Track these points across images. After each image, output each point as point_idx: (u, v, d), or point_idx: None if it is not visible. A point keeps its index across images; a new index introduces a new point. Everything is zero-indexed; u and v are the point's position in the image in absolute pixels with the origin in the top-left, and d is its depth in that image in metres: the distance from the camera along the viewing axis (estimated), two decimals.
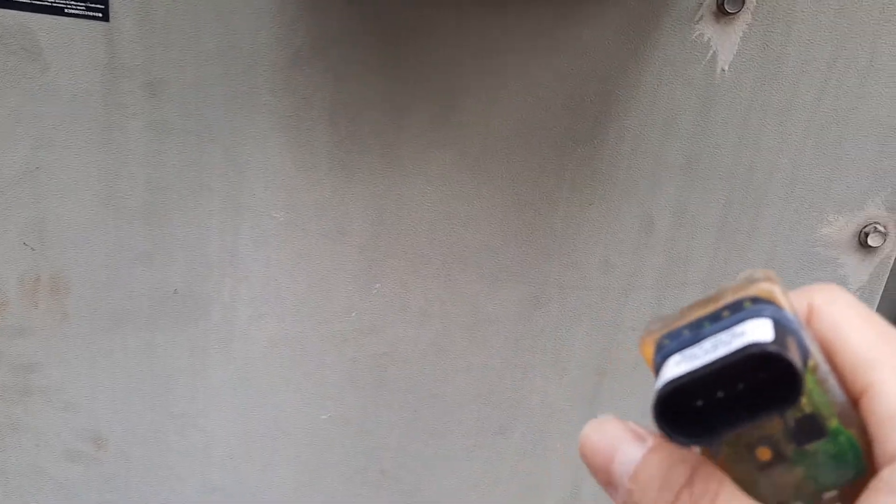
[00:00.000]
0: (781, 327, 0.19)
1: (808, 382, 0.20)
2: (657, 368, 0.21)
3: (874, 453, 0.20)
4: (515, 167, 0.53)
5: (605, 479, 0.22)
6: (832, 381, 0.21)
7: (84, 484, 0.62)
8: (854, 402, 0.21)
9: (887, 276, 0.55)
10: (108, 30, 0.49)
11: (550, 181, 0.53)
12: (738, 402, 0.19)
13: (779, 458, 0.21)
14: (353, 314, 0.57)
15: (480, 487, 0.63)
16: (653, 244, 0.55)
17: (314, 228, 0.54)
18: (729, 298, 0.20)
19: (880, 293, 0.56)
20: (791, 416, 0.20)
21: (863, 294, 0.56)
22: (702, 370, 0.19)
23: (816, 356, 0.21)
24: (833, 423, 0.20)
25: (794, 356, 0.18)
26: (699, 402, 0.19)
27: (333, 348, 0.58)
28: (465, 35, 0.50)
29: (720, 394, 0.19)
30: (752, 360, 0.18)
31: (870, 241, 0.53)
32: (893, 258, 0.55)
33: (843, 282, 0.55)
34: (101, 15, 0.49)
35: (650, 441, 0.22)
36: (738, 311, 0.20)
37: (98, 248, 0.55)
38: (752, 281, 0.21)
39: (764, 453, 0.21)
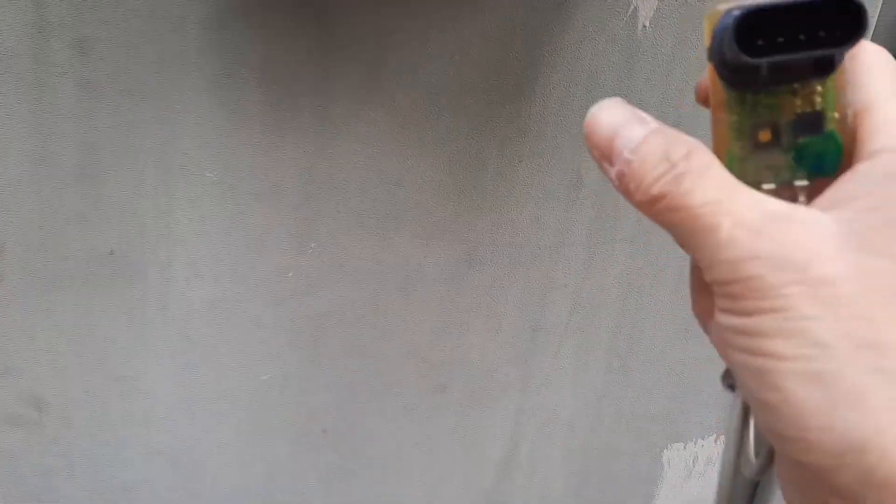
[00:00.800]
0: (862, 21, 0.22)
1: (829, 85, 0.24)
2: (720, 26, 0.24)
3: (855, 154, 0.24)
4: (444, 125, 0.54)
5: (605, 152, 0.25)
6: (846, 94, 0.24)
7: (27, 449, 0.63)
8: (855, 117, 0.24)
9: None
10: None
11: (479, 139, 0.54)
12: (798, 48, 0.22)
13: (775, 142, 0.24)
14: (290, 274, 0.58)
15: (422, 445, 0.64)
16: (582, 200, 0.56)
17: (247, 188, 0.55)
18: None
19: None
20: (804, 105, 0.24)
21: None
22: (783, 2, 0.22)
23: (842, 76, 0.24)
24: (831, 125, 0.24)
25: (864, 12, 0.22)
26: (761, 42, 0.22)
27: (271, 309, 0.59)
28: None
29: (784, 36, 0.22)
30: (824, 4, 0.22)
31: None
32: None
33: None
34: None
35: (653, 124, 0.25)
36: None
37: (31, 208, 0.55)
38: None
39: (765, 135, 0.24)
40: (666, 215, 0.24)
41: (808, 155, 0.24)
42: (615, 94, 0.53)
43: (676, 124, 0.54)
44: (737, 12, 0.22)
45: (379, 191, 0.56)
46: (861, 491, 0.21)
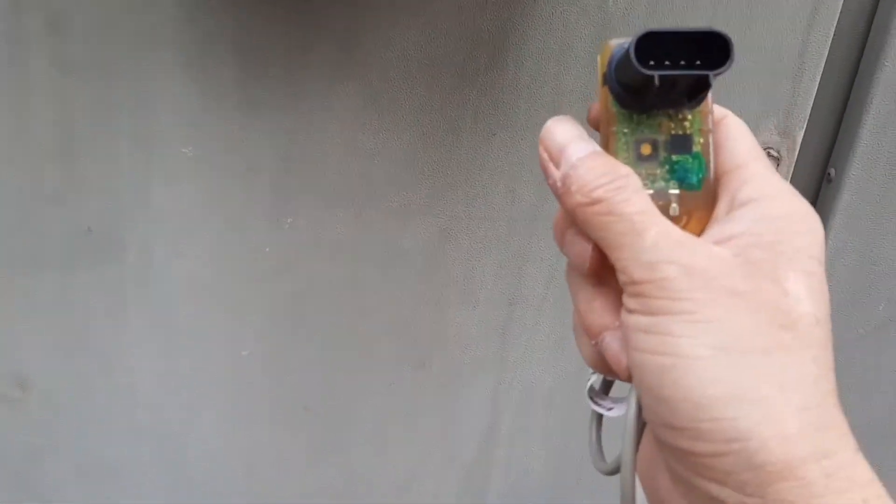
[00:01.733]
0: (729, 52, 0.27)
1: (696, 118, 0.29)
2: (616, 53, 0.29)
3: (732, 201, 0.28)
4: (418, 99, 0.54)
5: (555, 157, 0.29)
6: (708, 123, 0.29)
7: (11, 427, 0.63)
8: (728, 173, 0.29)
9: None
10: None
11: (453, 112, 0.54)
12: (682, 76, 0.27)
13: (654, 156, 0.29)
14: (267, 250, 0.58)
15: (402, 421, 0.65)
16: None
17: (223, 164, 0.55)
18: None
19: None
20: (678, 128, 0.29)
21: None
22: (673, 30, 0.27)
23: (710, 107, 0.29)
24: (698, 147, 0.29)
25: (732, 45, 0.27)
26: (652, 62, 0.27)
27: (250, 286, 0.59)
28: None
29: (669, 60, 0.27)
30: (704, 36, 0.27)
31: None
32: (788, 182, 0.56)
33: None
34: None
35: (598, 147, 0.29)
36: None
37: (8, 187, 0.55)
38: None
39: (646, 149, 0.29)
40: (600, 217, 0.27)
41: (678, 169, 0.29)
42: (587, 66, 0.54)
43: None
44: (633, 37, 0.27)
45: (354, 166, 0.56)
46: (742, 474, 0.24)
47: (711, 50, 0.27)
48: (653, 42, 0.27)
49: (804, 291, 0.25)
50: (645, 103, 0.29)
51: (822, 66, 0.54)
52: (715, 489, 0.25)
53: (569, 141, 0.29)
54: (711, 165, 0.29)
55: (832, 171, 0.57)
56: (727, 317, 0.25)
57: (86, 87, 0.53)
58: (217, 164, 0.55)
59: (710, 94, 0.29)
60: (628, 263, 0.26)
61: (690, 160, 0.29)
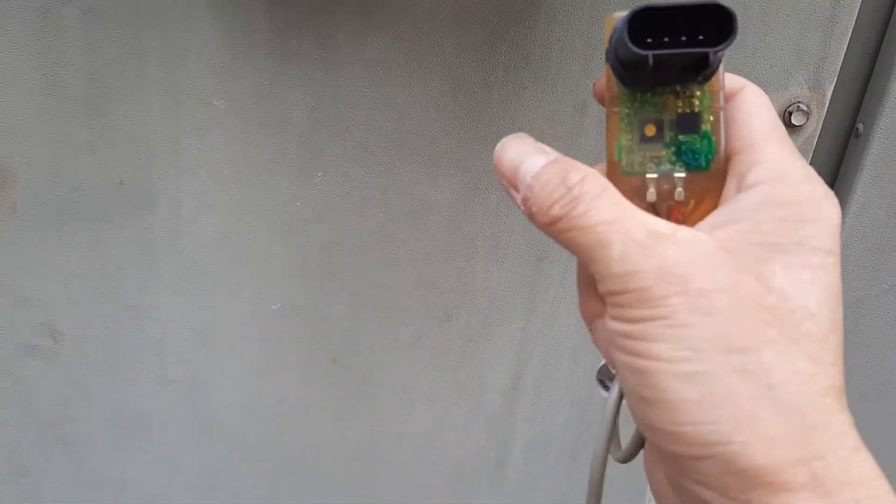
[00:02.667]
0: (733, 27, 0.26)
1: (706, 94, 0.27)
2: (616, 30, 0.27)
3: (737, 185, 0.27)
4: (449, 52, 0.54)
5: (511, 181, 0.28)
6: (720, 99, 0.27)
7: (43, 379, 0.64)
8: (739, 152, 0.27)
9: (811, 155, 0.57)
10: None
11: (484, 65, 0.54)
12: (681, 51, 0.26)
13: (659, 137, 0.28)
14: (298, 203, 0.58)
15: (429, 374, 0.66)
16: (586, 127, 0.57)
17: (254, 116, 0.56)
18: None
19: None
20: (686, 106, 0.27)
21: None
22: (669, 5, 0.25)
23: (721, 83, 0.27)
24: (706, 126, 0.27)
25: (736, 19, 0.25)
26: (649, 40, 0.25)
27: (280, 238, 0.60)
28: None
29: (668, 37, 0.26)
30: (704, 9, 0.25)
31: (793, 120, 0.55)
32: (817, 137, 0.57)
33: None
34: None
35: (553, 155, 0.28)
36: None
37: (41, 139, 0.55)
38: None
39: (650, 130, 0.28)
40: (565, 234, 0.26)
41: (685, 150, 0.27)
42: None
43: None
44: (627, 14, 0.26)
45: (385, 119, 0.56)
46: (724, 478, 0.24)
47: (714, 24, 0.25)
48: (649, 19, 0.25)
49: (796, 285, 0.24)
50: (648, 81, 0.27)
51: (854, 18, 0.54)
52: (700, 490, 0.25)
53: (520, 161, 0.28)
54: (722, 145, 0.28)
55: (860, 126, 0.57)
56: (704, 319, 0.24)
57: (117, 37, 0.53)
58: (247, 116, 0.56)
59: (721, 68, 0.27)
60: (602, 276, 0.26)
61: (699, 140, 0.27)
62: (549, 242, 0.61)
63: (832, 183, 0.60)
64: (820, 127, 0.57)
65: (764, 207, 0.25)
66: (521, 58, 0.54)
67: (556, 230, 0.27)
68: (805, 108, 0.55)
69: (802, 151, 0.57)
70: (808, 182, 0.26)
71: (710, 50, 0.25)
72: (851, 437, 0.24)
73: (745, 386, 0.24)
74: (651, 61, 0.25)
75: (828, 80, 0.55)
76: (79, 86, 0.54)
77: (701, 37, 0.26)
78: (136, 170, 0.57)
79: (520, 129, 0.56)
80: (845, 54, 0.55)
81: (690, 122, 0.27)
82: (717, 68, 0.27)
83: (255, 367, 0.65)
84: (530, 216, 0.28)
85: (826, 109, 0.56)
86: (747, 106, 0.28)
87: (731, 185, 0.27)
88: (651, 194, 0.28)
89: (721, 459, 0.24)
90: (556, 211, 0.26)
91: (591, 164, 0.29)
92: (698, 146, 0.27)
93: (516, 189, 0.28)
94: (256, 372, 0.65)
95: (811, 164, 0.58)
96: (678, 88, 0.27)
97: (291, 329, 0.63)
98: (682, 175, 0.28)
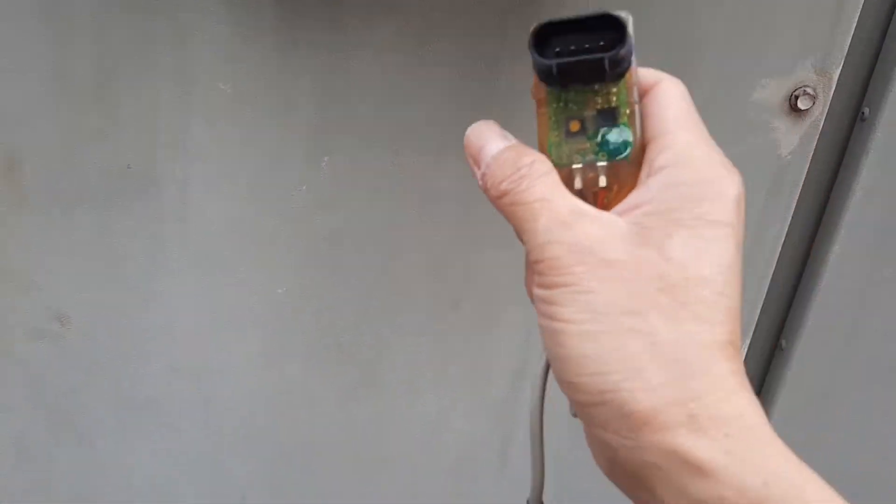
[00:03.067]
0: (625, 34, 0.29)
1: (621, 90, 0.30)
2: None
3: (647, 170, 0.30)
4: (457, 35, 0.54)
5: (475, 159, 0.33)
6: (636, 104, 0.31)
7: (51, 364, 0.64)
8: (650, 141, 0.31)
9: (817, 138, 0.57)
10: None
11: (492, 48, 0.55)
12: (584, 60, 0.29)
13: (582, 131, 0.31)
14: (304, 188, 0.59)
15: (435, 361, 0.66)
16: None
17: (262, 102, 0.56)
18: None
19: (810, 156, 0.58)
20: (603, 102, 0.30)
21: (794, 157, 0.58)
22: (566, 19, 0.29)
23: (633, 82, 0.30)
24: (624, 119, 0.31)
25: (628, 25, 0.29)
26: (558, 49, 0.29)
27: (287, 224, 0.60)
28: None
29: (574, 45, 0.29)
30: (598, 19, 0.29)
31: (799, 105, 0.55)
32: (823, 121, 0.57)
33: (775, 146, 0.57)
34: None
35: (513, 141, 0.32)
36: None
37: (50, 126, 0.56)
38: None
39: (575, 125, 0.31)
40: (509, 207, 0.30)
41: (606, 142, 0.31)
42: (628, 5, 0.54)
43: (685, 35, 0.54)
44: (532, 30, 0.29)
45: (392, 105, 0.56)
46: (617, 421, 0.27)
47: (611, 30, 0.29)
48: (552, 32, 0.29)
49: (692, 255, 0.28)
50: (568, 82, 0.30)
51: (861, 3, 0.54)
52: (602, 433, 0.28)
53: (485, 142, 0.32)
54: (638, 135, 0.31)
55: (866, 111, 0.57)
56: (603, 286, 0.28)
57: (126, 22, 0.53)
58: (255, 101, 0.56)
59: (633, 66, 0.30)
60: (529, 246, 0.30)
61: (617, 132, 0.31)
62: None
63: (837, 167, 0.60)
64: (826, 111, 0.57)
65: (669, 188, 0.29)
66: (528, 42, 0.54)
67: (502, 203, 0.31)
68: (811, 92, 0.55)
69: (808, 135, 0.57)
70: (709, 164, 0.30)
71: (605, 56, 0.29)
72: (730, 382, 0.27)
73: (634, 343, 0.27)
74: (555, 70, 0.29)
75: (834, 64, 0.55)
76: (87, 72, 0.54)
77: (602, 42, 0.29)
78: (143, 155, 0.57)
79: (528, 113, 0.57)
80: (852, 39, 0.55)
81: (609, 117, 0.31)
82: (627, 67, 0.30)
83: (262, 353, 0.65)
84: (485, 191, 0.32)
85: (832, 94, 0.56)
86: (662, 98, 0.31)
87: (644, 170, 0.30)
88: (578, 182, 0.31)
89: (613, 405, 0.27)
90: (504, 186, 0.30)
91: None
92: (618, 137, 0.31)
93: (478, 167, 0.32)
94: (263, 357, 0.65)
95: (816, 147, 0.58)
96: (596, 87, 0.30)
97: (298, 315, 0.63)
98: (604, 164, 0.31)
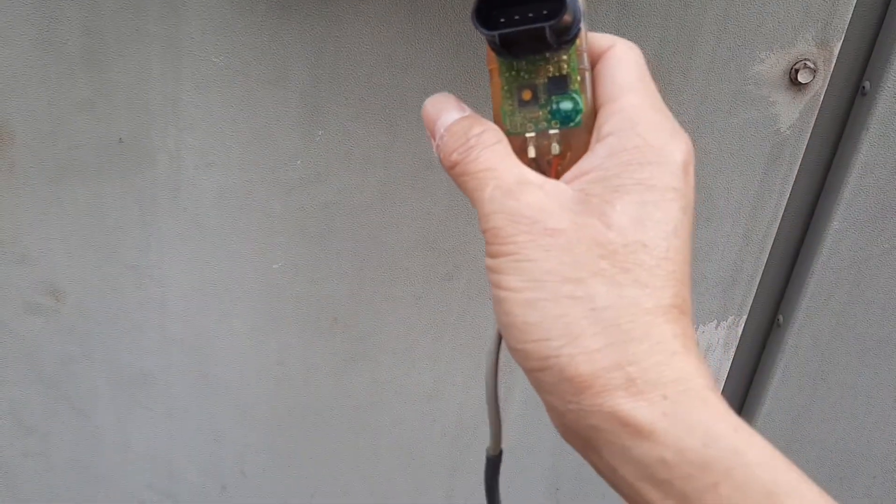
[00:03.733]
0: (574, 1, 0.29)
1: (571, 58, 0.30)
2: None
3: (595, 136, 0.30)
4: (450, 7, 0.53)
5: (431, 130, 0.33)
6: (587, 71, 0.31)
7: (45, 336, 0.64)
8: (601, 106, 0.31)
9: (817, 112, 0.57)
10: None
11: None
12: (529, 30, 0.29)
13: (534, 100, 0.31)
14: (298, 162, 0.58)
15: (429, 333, 0.66)
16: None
17: (254, 74, 0.55)
18: None
19: (810, 130, 0.57)
20: (554, 71, 0.31)
21: (793, 131, 0.57)
22: None
23: (583, 50, 0.31)
24: (575, 86, 0.31)
25: (575, 3, 0.29)
26: (502, 19, 0.29)
27: (280, 197, 0.59)
28: None
29: (520, 19, 0.29)
30: None
31: (800, 78, 0.55)
32: (823, 94, 0.56)
33: (775, 120, 0.57)
34: None
35: (468, 111, 0.33)
36: None
37: (39, 96, 0.55)
38: None
39: (526, 94, 0.31)
40: (460, 178, 0.31)
41: (557, 110, 0.31)
42: None
43: (685, 5, 0.53)
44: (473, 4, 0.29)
45: (386, 76, 0.55)
46: (559, 385, 0.28)
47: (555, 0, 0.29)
48: (494, 3, 0.29)
49: (633, 221, 0.28)
50: (517, 52, 0.31)
51: None
52: (548, 398, 0.29)
53: (440, 113, 0.33)
54: (589, 102, 0.31)
55: (867, 84, 0.56)
56: (544, 255, 0.28)
57: None
58: (247, 73, 0.55)
59: (583, 33, 0.30)
60: (479, 216, 0.30)
61: (568, 99, 0.31)
62: None
63: (837, 142, 0.60)
64: (826, 84, 0.56)
65: (612, 154, 0.29)
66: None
67: (454, 174, 0.31)
68: (812, 65, 0.54)
69: (808, 109, 0.56)
70: (655, 129, 0.29)
71: (546, 24, 0.28)
72: (671, 345, 0.27)
73: (574, 310, 0.28)
74: (497, 40, 0.29)
75: (835, 37, 0.54)
76: (76, 41, 0.53)
77: (545, 11, 0.29)
78: (135, 127, 0.56)
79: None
80: (853, 12, 0.54)
81: (560, 84, 0.31)
82: (575, 34, 0.30)
83: (256, 326, 0.65)
84: (441, 161, 0.32)
85: (833, 67, 0.55)
86: (614, 63, 0.31)
87: (594, 136, 0.31)
88: (531, 150, 0.31)
89: (555, 370, 0.28)
90: (455, 157, 0.31)
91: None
92: (568, 105, 0.31)
93: (434, 138, 0.33)
94: (257, 330, 0.65)
95: (816, 122, 0.57)
96: (547, 55, 0.31)
97: (292, 288, 0.63)
98: (556, 131, 0.31)
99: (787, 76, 0.55)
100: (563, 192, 0.29)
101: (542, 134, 0.31)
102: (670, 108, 0.30)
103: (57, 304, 0.63)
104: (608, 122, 0.30)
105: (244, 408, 0.69)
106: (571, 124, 0.31)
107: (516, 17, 0.29)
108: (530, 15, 0.29)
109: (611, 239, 0.28)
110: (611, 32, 0.32)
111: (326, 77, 0.55)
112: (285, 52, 0.54)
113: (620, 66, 0.31)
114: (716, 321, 0.66)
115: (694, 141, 0.31)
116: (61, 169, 0.57)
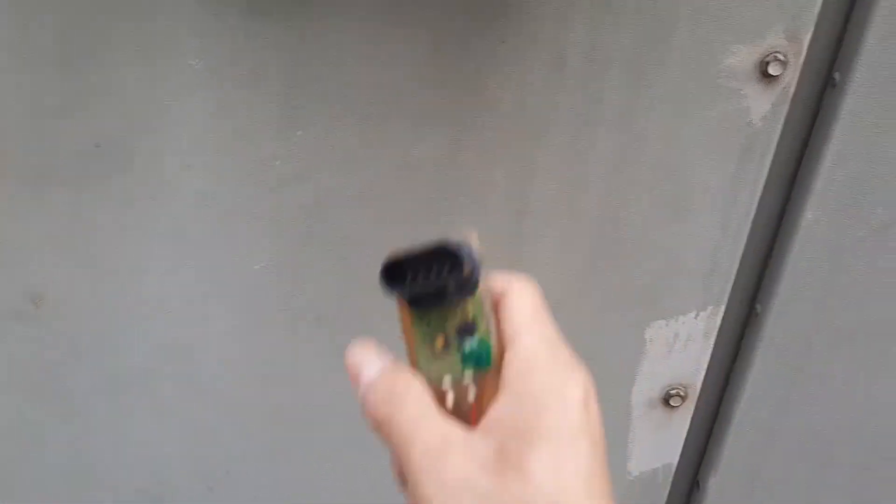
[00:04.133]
0: (470, 253, 0.31)
1: (476, 304, 0.32)
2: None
3: (503, 379, 0.31)
4: (429, 6, 0.54)
5: (353, 379, 0.34)
6: (490, 313, 0.32)
7: (28, 343, 0.64)
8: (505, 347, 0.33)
9: (788, 105, 0.58)
10: None
11: (461, 19, 0.54)
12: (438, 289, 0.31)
13: (447, 347, 0.32)
14: (277, 162, 0.58)
15: None
16: (566, 82, 0.57)
17: (231, 75, 0.55)
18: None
19: (782, 122, 0.58)
20: (461, 318, 0.32)
21: (765, 123, 0.58)
22: (410, 254, 0.32)
23: (486, 294, 0.32)
24: (482, 330, 0.32)
25: (471, 255, 0.31)
26: (409, 277, 0.31)
27: (261, 198, 0.60)
28: None
29: (423, 275, 0.31)
30: (441, 250, 0.31)
31: (770, 70, 0.56)
32: (794, 86, 0.57)
33: (746, 113, 0.58)
34: None
35: (388, 363, 0.33)
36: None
37: (14, 102, 0.55)
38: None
39: (440, 342, 0.32)
40: (386, 435, 0.32)
41: (468, 355, 0.32)
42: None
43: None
44: (382, 263, 0.32)
45: (365, 75, 0.56)
46: None
47: (454, 256, 0.31)
48: (399, 265, 0.32)
49: (548, 474, 0.29)
50: (426, 304, 0.32)
51: None
52: None
53: (360, 365, 0.34)
54: (495, 344, 0.32)
55: (837, 76, 0.58)
56: None
57: None
58: (224, 73, 0.55)
59: (481, 283, 0.32)
60: (406, 473, 0.31)
61: (476, 345, 0.32)
62: (529, 198, 0.61)
63: (808, 133, 0.61)
64: (797, 77, 0.57)
65: (517, 402, 0.30)
66: (498, 9, 0.54)
67: (380, 430, 0.32)
68: (782, 58, 0.55)
69: (779, 102, 0.57)
70: (549, 371, 0.31)
71: (449, 279, 0.31)
72: None
73: None
74: (408, 297, 0.32)
75: (805, 30, 0.55)
76: (48, 45, 0.53)
77: (447, 266, 0.31)
78: (112, 131, 0.56)
79: (498, 85, 0.57)
80: (822, 5, 0.55)
81: (469, 330, 0.32)
82: (476, 283, 0.32)
83: (241, 328, 0.65)
84: (364, 414, 0.33)
85: (803, 59, 0.56)
86: (511, 304, 0.33)
87: (501, 380, 0.32)
88: (450, 399, 0.32)
89: None
90: (380, 416, 0.32)
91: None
92: (478, 348, 0.32)
93: (358, 391, 0.34)
94: (242, 333, 0.65)
95: (788, 114, 0.58)
96: (452, 304, 0.32)
97: (275, 288, 0.63)
98: (471, 374, 0.32)
99: (758, 69, 0.56)
100: (483, 451, 0.30)
101: (457, 382, 0.32)
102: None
103: (37, 310, 0.63)
104: (509, 367, 0.31)
105: (229, 408, 0.69)
106: (483, 366, 0.32)
107: (419, 273, 0.31)
108: (434, 269, 0.31)
109: (531, 494, 0.29)
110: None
111: (305, 77, 0.55)
112: (262, 53, 0.55)
113: (513, 308, 0.33)
114: (695, 311, 0.67)
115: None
116: (39, 174, 0.57)
